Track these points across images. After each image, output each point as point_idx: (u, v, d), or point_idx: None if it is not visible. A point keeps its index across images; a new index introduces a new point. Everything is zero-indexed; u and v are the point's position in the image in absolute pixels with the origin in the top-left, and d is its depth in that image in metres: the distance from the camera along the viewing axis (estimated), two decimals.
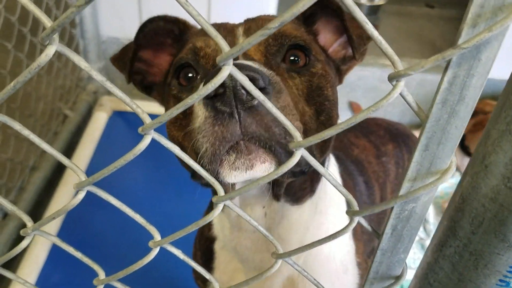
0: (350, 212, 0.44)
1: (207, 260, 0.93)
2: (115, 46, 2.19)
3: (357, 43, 0.72)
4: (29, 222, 0.49)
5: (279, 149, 0.55)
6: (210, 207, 0.98)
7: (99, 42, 2.17)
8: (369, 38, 0.75)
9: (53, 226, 1.65)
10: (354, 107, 2.35)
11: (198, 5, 1.99)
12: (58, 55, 1.90)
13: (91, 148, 1.92)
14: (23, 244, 0.49)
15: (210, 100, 0.53)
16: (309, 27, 0.78)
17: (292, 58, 0.69)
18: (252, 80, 0.51)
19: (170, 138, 0.71)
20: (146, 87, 0.84)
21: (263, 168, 0.56)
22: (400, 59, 0.35)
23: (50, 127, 1.98)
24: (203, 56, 0.67)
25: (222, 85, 0.51)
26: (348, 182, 1.05)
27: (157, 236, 0.50)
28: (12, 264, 1.59)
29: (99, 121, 2.04)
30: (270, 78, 0.56)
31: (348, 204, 0.45)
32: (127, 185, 1.74)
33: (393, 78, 0.35)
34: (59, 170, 1.91)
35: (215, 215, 0.46)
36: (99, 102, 2.14)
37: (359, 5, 2.78)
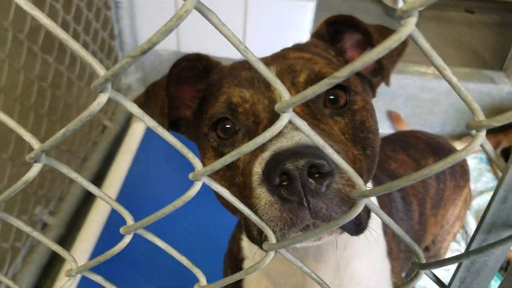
0: (417, 265, 0.41)
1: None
2: (153, 58, 2.21)
3: (386, 68, 0.72)
4: (73, 263, 0.47)
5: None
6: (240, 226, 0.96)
7: None
8: (399, 55, 0.73)
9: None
10: (393, 116, 2.29)
11: (233, 22, 1.98)
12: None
13: (129, 159, 1.93)
14: (67, 285, 0.48)
15: (276, 188, 0.52)
16: (334, 45, 0.78)
17: (332, 97, 0.66)
18: (318, 166, 0.49)
19: None
20: (173, 122, 0.82)
21: (331, 238, 0.56)
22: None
23: (90, 137, 2.01)
24: (241, 113, 0.65)
25: (288, 174, 0.50)
26: (384, 199, 1.01)
27: (203, 280, 0.48)
28: None
29: (136, 132, 2.05)
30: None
31: (417, 256, 0.42)
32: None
33: (473, 128, 0.32)
34: (97, 180, 1.93)
35: (266, 263, 0.43)
36: None
37: (393, 9, 2.71)
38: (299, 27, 2.00)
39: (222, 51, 2.12)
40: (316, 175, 0.50)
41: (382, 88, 0.80)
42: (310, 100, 0.64)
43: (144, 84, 2.28)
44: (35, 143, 0.39)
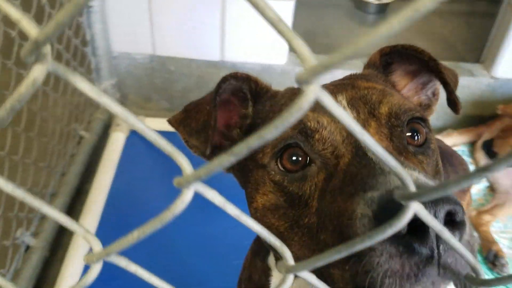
0: (476, 281, 0.39)
1: None
2: (127, 61, 2.13)
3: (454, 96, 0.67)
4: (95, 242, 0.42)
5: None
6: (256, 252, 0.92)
7: (111, 58, 2.10)
8: (456, 85, 0.70)
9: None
10: None
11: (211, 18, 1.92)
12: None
13: (111, 171, 1.85)
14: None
15: (399, 238, 0.43)
16: (387, 75, 0.74)
17: (410, 134, 0.59)
18: (454, 213, 0.42)
19: (261, 221, 0.61)
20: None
21: None
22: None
23: (66, 151, 1.92)
24: (318, 139, 0.56)
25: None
26: None
27: None
28: None
29: (117, 142, 1.97)
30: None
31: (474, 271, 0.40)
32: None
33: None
34: (79, 195, 1.85)
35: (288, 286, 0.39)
36: (115, 121, 2.07)
37: (367, 3, 2.72)
38: None
39: (198, 53, 2.07)
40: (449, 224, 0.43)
41: None
42: (394, 135, 0.57)
43: (119, 90, 2.19)
44: None
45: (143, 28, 1.98)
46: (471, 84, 2.03)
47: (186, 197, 0.30)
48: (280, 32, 0.22)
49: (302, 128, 0.56)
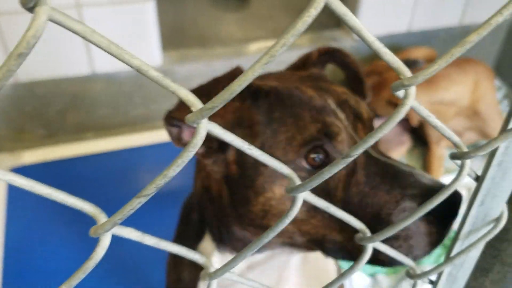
0: (412, 276, 0.44)
1: None
2: None
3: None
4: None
5: None
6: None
7: None
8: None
9: None
10: None
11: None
12: None
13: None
14: None
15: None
16: None
17: None
18: None
19: (274, 208, 0.64)
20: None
21: None
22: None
23: None
24: (340, 141, 0.62)
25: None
26: None
27: None
28: None
29: None
30: None
31: (411, 268, 0.45)
32: None
33: (458, 157, 0.35)
34: None
35: None
36: None
37: None
38: (143, 30, 1.93)
39: (66, 70, 1.96)
40: None
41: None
42: None
43: None
44: None
45: None
46: None
47: (105, 243, 0.31)
48: (167, 86, 0.23)
49: (327, 132, 0.62)
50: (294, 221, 0.62)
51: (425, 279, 0.47)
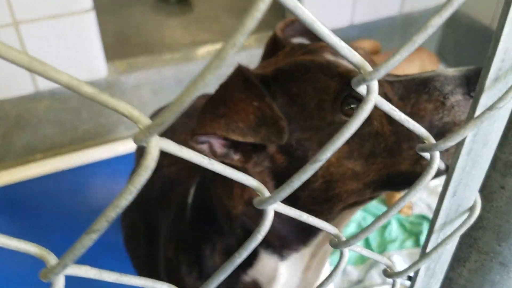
0: (390, 275, 0.42)
1: None
2: None
3: None
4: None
5: None
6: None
7: None
8: None
9: None
10: None
11: None
12: None
13: None
14: None
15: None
16: None
17: None
18: None
19: (334, 174, 0.63)
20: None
21: None
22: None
23: None
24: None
25: None
26: None
27: None
28: None
29: None
30: None
31: (388, 266, 0.43)
32: None
33: (426, 150, 0.34)
34: None
35: None
36: None
37: None
38: (85, 42, 1.86)
39: (8, 91, 1.86)
40: None
41: None
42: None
43: None
44: None
45: None
46: None
47: (58, 286, 0.28)
48: (105, 103, 0.20)
49: (347, 79, 0.60)
50: (358, 178, 0.62)
51: (401, 280, 0.46)
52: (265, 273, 0.74)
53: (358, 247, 0.39)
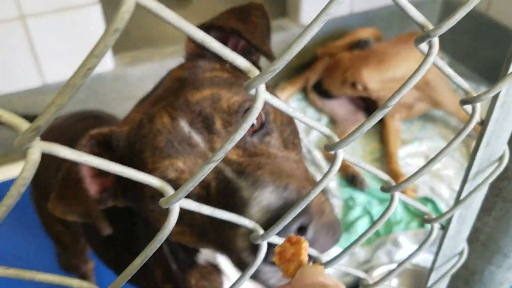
0: (428, 221, 0.48)
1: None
2: None
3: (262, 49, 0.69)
4: None
5: None
6: None
7: None
8: (268, 30, 0.73)
9: None
10: None
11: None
12: None
13: None
14: None
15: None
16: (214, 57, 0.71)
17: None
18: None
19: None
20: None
21: None
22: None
23: None
24: (182, 182, 0.58)
25: None
26: None
27: None
28: None
29: None
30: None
31: (426, 214, 0.48)
32: None
33: (470, 102, 0.39)
34: None
35: None
36: None
37: None
38: (91, 35, 1.89)
39: (15, 85, 1.88)
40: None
41: None
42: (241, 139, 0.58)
43: None
44: None
45: None
46: (286, 38, 2.21)
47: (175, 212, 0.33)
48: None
49: (167, 181, 0.51)
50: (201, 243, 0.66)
51: (437, 225, 0.51)
52: (210, 256, 0.80)
53: (403, 195, 0.44)
